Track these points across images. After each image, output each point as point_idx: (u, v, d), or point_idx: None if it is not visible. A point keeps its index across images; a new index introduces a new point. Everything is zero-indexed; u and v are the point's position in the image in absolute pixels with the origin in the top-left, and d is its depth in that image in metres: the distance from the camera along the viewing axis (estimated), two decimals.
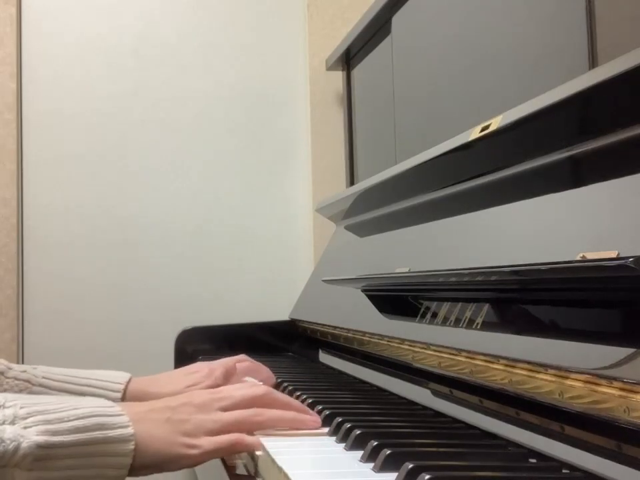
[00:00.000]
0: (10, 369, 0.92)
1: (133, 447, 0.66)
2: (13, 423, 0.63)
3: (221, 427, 0.72)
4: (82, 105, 1.92)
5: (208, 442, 0.70)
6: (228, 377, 0.99)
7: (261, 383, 0.99)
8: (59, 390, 0.91)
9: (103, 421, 0.66)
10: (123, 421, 0.67)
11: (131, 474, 0.68)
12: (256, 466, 0.71)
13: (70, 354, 1.83)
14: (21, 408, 0.64)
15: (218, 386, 0.91)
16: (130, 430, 0.67)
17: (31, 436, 0.62)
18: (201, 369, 0.99)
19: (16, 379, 0.91)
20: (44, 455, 0.62)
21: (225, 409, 0.75)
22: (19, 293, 1.86)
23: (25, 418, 0.63)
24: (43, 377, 0.92)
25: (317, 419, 0.78)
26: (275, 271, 1.99)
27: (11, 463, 0.60)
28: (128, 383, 0.94)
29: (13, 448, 0.61)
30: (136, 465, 0.67)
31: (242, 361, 1.07)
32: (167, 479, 1.98)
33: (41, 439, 0.62)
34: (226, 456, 0.77)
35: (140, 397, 0.89)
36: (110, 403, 0.70)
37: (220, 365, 1.00)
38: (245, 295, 1.96)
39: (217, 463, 0.82)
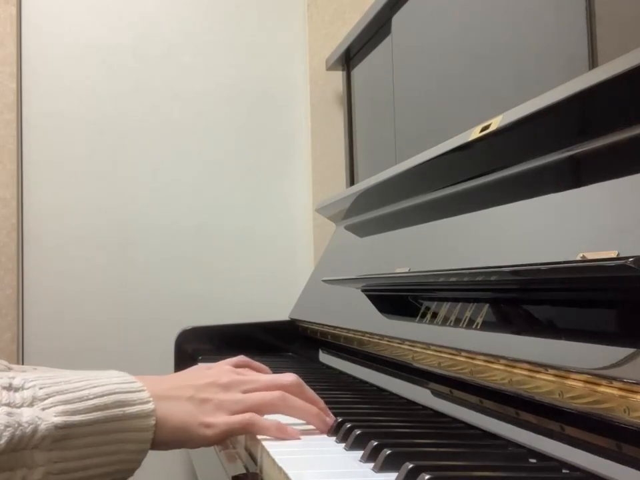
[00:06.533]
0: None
1: (153, 422, 0.66)
2: (31, 405, 0.63)
3: (243, 408, 0.72)
4: (82, 104, 1.92)
5: (224, 421, 0.70)
6: None
7: None
8: None
9: (122, 398, 0.66)
10: (143, 396, 0.67)
11: (151, 448, 0.68)
12: (255, 465, 0.71)
13: (70, 354, 1.83)
14: (40, 389, 0.64)
15: None
16: (150, 405, 0.67)
17: (49, 417, 0.62)
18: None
19: None
20: (63, 435, 0.62)
21: (249, 392, 0.74)
22: (19, 293, 1.86)
23: (44, 399, 0.63)
24: None
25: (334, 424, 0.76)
26: (275, 270, 1.99)
27: (30, 445, 0.61)
28: None
29: (31, 431, 0.61)
30: (156, 441, 0.67)
31: (241, 362, 1.07)
32: (168, 478, 1.97)
33: (59, 419, 0.62)
34: (241, 435, 0.76)
35: None
36: (131, 378, 0.69)
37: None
38: (245, 295, 1.96)
39: (217, 463, 0.82)
